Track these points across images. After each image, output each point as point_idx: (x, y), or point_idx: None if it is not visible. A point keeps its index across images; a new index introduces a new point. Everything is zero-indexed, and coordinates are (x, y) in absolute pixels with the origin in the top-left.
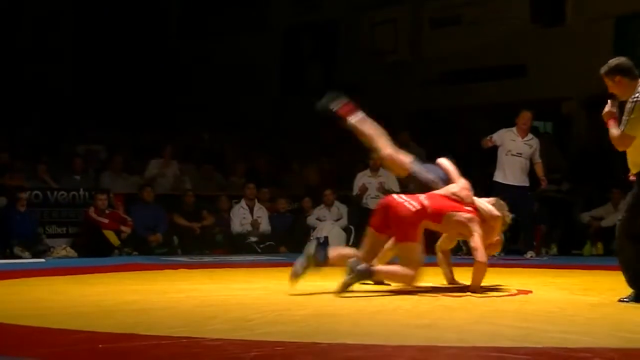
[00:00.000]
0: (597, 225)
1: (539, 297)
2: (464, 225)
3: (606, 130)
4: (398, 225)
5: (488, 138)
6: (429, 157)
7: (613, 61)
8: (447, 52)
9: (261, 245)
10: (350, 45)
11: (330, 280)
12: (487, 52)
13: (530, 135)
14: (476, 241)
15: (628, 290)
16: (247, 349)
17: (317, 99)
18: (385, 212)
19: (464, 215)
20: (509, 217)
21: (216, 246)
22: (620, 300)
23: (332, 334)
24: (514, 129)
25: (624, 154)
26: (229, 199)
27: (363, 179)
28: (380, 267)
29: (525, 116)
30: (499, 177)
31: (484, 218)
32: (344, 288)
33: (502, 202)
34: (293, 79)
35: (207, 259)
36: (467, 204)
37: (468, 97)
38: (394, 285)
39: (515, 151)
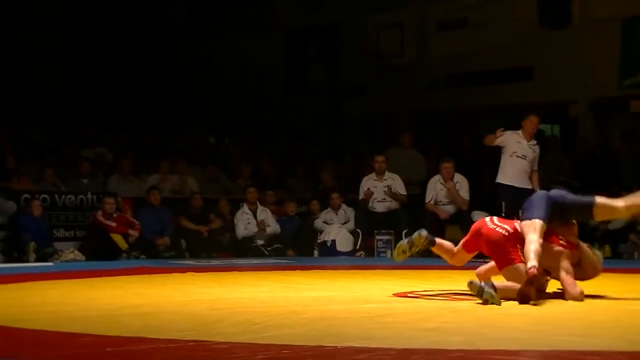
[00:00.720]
0: (604, 228)
1: (547, 301)
2: (554, 256)
3: (612, 133)
4: (494, 252)
5: (501, 129)
6: (430, 158)
7: None
8: (453, 54)
9: (268, 248)
10: (355, 48)
11: (337, 283)
12: (493, 54)
13: (534, 140)
14: (562, 277)
15: (635, 293)
16: (254, 352)
17: (321, 101)
18: (478, 237)
19: (557, 248)
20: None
21: (224, 249)
22: None
23: (339, 337)
24: (520, 131)
25: (630, 158)
26: (229, 203)
27: (368, 182)
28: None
29: (534, 120)
30: (501, 179)
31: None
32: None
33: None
34: (297, 81)
35: (214, 262)
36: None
37: (474, 99)
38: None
39: (520, 153)
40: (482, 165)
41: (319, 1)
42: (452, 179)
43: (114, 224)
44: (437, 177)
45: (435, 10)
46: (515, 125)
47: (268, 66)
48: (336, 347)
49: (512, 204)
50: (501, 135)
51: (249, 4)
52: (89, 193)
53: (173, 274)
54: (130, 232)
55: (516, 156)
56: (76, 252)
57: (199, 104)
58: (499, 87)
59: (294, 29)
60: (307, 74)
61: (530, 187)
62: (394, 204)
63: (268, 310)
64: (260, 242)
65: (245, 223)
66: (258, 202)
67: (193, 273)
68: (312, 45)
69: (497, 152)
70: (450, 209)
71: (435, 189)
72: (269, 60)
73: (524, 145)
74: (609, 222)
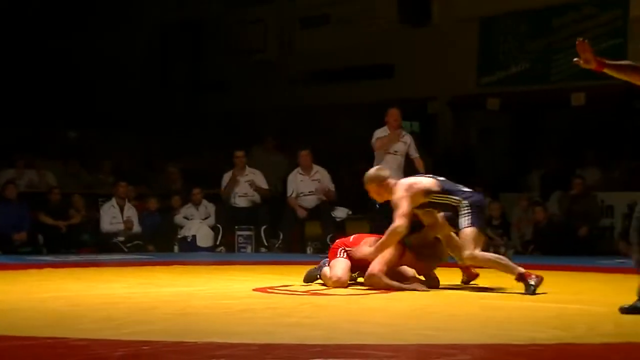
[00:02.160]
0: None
1: (406, 295)
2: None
3: (470, 130)
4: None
5: (397, 132)
6: (291, 155)
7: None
8: (315, 51)
9: (128, 245)
10: (218, 43)
11: (197, 279)
12: (355, 51)
13: (403, 132)
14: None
15: (485, 282)
16: (114, 348)
17: (184, 96)
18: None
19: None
20: None
21: (83, 245)
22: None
23: (200, 333)
24: (386, 127)
25: (487, 155)
26: (82, 197)
27: (230, 178)
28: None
29: (394, 113)
30: None
31: None
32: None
33: None
34: (159, 76)
35: (73, 258)
36: None
37: (336, 96)
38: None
39: (392, 150)
40: (343, 161)
41: None
42: (311, 168)
43: None
44: (297, 169)
45: (298, 6)
46: (376, 122)
47: (130, 61)
48: (196, 342)
49: None
50: (391, 140)
51: None
52: None
53: (30, 270)
54: None
55: (388, 153)
56: None
57: (59, 97)
58: (360, 84)
59: (156, 24)
60: (169, 69)
61: None
62: (256, 198)
63: (128, 306)
64: (120, 238)
65: (110, 217)
66: (127, 199)
67: (51, 269)
68: (175, 40)
69: (357, 148)
70: (312, 200)
71: (296, 181)
72: (131, 54)
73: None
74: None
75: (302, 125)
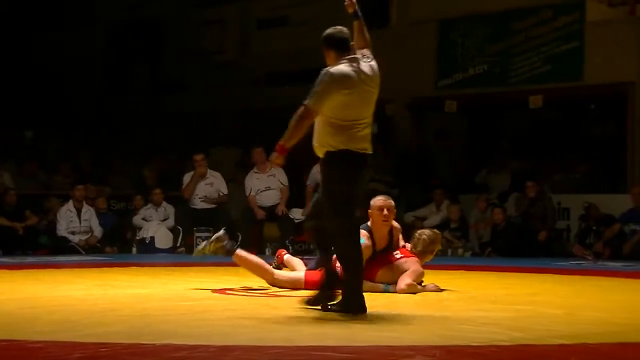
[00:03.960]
0: (420, 225)
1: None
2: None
3: (428, 132)
4: None
5: None
6: (246, 152)
7: (326, 31)
8: (274, 52)
9: (85, 247)
10: (177, 44)
11: (155, 280)
12: (314, 53)
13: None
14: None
15: (443, 284)
16: (71, 350)
17: (142, 97)
18: None
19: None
20: None
21: (40, 247)
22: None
23: (158, 334)
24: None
25: (445, 156)
26: (57, 200)
27: (190, 179)
28: None
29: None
30: None
31: None
32: None
33: None
34: (118, 77)
35: (30, 259)
36: None
37: (294, 97)
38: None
39: None
40: (301, 163)
41: None
42: (265, 164)
43: None
44: (253, 168)
45: (256, 7)
46: None
47: (89, 61)
48: (155, 344)
49: None
50: None
51: None
52: None
53: None
54: None
55: None
56: None
57: (15, 97)
58: None
59: (115, 23)
60: (128, 69)
61: None
62: (215, 201)
63: (85, 308)
64: (76, 239)
65: (67, 222)
66: (84, 202)
67: (6, 271)
68: (133, 41)
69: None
70: (271, 196)
71: (252, 180)
72: (89, 55)
73: None
74: (424, 219)
75: (262, 126)
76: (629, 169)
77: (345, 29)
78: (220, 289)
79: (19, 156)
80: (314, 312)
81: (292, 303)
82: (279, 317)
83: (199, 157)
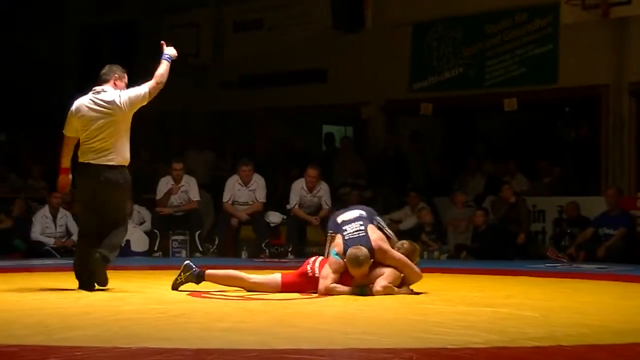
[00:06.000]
0: (395, 228)
1: (337, 300)
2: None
3: (403, 135)
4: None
5: None
6: (225, 159)
7: None
8: (248, 55)
9: (61, 250)
10: (151, 47)
11: (130, 284)
12: (288, 56)
13: None
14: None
15: (419, 287)
16: (45, 354)
17: None
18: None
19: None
20: None
21: (13, 250)
22: None
23: (133, 338)
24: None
25: (420, 159)
26: (23, 202)
27: (168, 186)
28: None
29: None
30: None
31: None
32: None
33: None
34: (91, 80)
35: (3, 263)
36: None
37: (269, 100)
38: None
39: None
40: (276, 166)
41: None
42: (249, 181)
43: None
44: (235, 177)
45: (231, 10)
46: (309, 127)
47: (62, 62)
48: (130, 348)
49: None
50: None
51: None
52: None
53: None
54: None
55: None
56: None
57: None
58: (293, 88)
59: (88, 26)
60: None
61: None
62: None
63: (60, 311)
64: (51, 242)
65: (42, 227)
66: (60, 207)
67: None
68: (107, 43)
69: (291, 152)
70: (247, 210)
71: (233, 190)
72: (63, 56)
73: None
74: (399, 221)
75: (236, 129)
76: (603, 171)
77: None
78: (196, 292)
79: None
80: (290, 315)
81: (268, 306)
82: (254, 319)
83: (177, 165)
